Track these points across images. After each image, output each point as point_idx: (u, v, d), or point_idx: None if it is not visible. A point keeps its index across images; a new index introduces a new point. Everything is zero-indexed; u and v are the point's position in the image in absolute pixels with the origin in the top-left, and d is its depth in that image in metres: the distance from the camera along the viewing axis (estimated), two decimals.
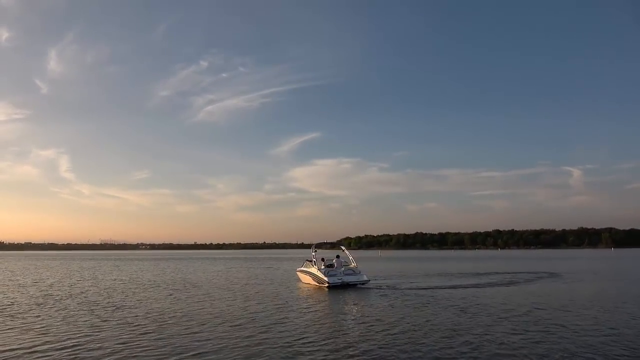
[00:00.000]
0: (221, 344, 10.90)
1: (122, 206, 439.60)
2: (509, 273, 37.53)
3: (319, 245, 26.64)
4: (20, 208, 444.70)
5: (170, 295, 22.44)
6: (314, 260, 26.99)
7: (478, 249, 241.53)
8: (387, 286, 25.63)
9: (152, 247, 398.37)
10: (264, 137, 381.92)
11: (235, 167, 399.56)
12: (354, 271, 26.33)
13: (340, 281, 24.94)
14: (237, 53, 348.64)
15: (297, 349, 10.56)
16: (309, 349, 10.49)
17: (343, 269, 26.32)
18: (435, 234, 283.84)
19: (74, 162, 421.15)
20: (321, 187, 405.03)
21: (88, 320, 14.54)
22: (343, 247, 30.10)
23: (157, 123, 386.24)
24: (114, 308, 17.38)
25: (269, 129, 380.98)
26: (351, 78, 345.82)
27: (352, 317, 15.30)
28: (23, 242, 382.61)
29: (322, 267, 26.41)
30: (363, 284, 25.57)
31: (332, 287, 24.44)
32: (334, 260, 27.26)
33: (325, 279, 25.06)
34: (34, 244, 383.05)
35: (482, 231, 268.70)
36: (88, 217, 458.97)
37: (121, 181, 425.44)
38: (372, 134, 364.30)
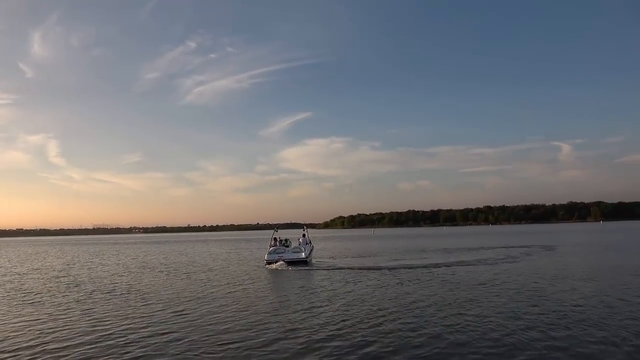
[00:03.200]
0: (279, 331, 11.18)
1: (113, 190, 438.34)
2: (504, 247, 38.79)
3: (281, 226, 32.01)
4: (10, 194, 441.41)
5: (187, 278, 23.03)
6: (271, 240, 30.28)
7: (470, 225, 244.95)
8: (327, 266, 26.46)
9: (145, 230, 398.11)
10: (255, 118, 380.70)
11: (227, 148, 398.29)
12: (300, 249, 28.58)
13: (276, 257, 27.46)
14: (225, 33, 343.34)
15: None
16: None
17: (291, 247, 29.10)
18: (427, 212, 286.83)
19: (64, 147, 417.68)
20: (313, 167, 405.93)
21: (124, 306, 14.83)
22: (305, 227, 33.51)
23: (147, 106, 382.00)
24: (144, 294, 17.34)
25: (260, 109, 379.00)
26: (341, 56, 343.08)
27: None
28: (14, 229, 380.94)
29: (273, 246, 29.30)
30: (303, 261, 27.31)
31: (268, 263, 27.12)
32: (300, 239, 30.81)
33: (265, 256, 28.40)
34: (26, 230, 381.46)
35: (473, 207, 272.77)
36: (79, 202, 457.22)
37: (112, 165, 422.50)
38: (364, 112, 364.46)
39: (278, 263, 26.61)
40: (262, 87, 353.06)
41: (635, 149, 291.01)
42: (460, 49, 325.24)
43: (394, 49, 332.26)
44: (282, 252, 27.99)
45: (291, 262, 26.70)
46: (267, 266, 26.46)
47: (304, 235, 31.22)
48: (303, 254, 27.98)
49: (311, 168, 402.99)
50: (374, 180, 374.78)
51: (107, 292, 17.54)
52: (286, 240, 30.49)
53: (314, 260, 29.74)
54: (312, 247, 32.49)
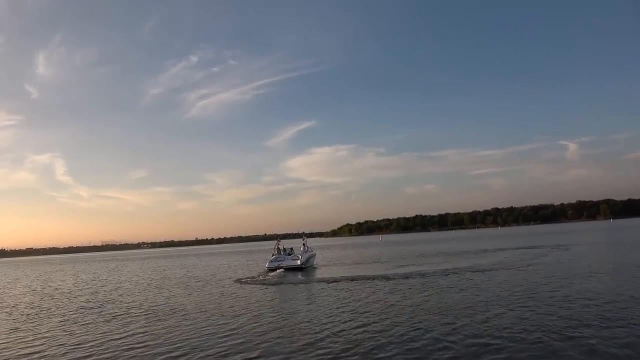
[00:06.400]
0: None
1: (121, 207, 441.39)
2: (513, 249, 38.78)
3: (284, 236, 37.65)
4: (19, 214, 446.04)
5: (221, 293, 23.24)
6: (274, 249, 33.91)
7: (478, 227, 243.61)
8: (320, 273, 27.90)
9: (154, 245, 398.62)
10: (260, 129, 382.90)
11: (232, 160, 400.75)
12: (297, 257, 31.82)
13: (276, 264, 30.99)
14: (227, 46, 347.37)
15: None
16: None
17: (291, 255, 32.42)
18: (435, 216, 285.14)
19: (70, 166, 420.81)
20: (319, 176, 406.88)
21: (169, 326, 15.00)
22: (304, 236, 37.22)
23: (151, 121, 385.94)
24: (175, 309, 17.86)
25: (264, 120, 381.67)
26: (342, 64, 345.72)
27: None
28: (24, 248, 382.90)
29: (274, 254, 32.90)
30: (299, 268, 30.51)
31: (269, 270, 30.46)
32: (301, 248, 34.42)
33: (266, 264, 31.87)
34: (36, 249, 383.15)
35: (481, 210, 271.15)
36: (87, 219, 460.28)
37: (119, 182, 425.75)
38: (367, 119, 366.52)
39: (277, 271, 29.39)
40: (265, 98, 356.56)
41: None
42: (463, 52, 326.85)
43: (395, 55, 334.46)
44: (282, 260, 31.34)
45: (289, 269, 30.00)
46: (268, 273, 29.08)
47: (304, 244, 34.95)
48: (299, 261, 31.11)
49: (317, 176, 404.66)
50: (380, 186, 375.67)
51: (145, 311, 17.67)
52: (291, 249, 33.58)
53: (315, 265, 33.78)
54: (313, 254, 36.66)
